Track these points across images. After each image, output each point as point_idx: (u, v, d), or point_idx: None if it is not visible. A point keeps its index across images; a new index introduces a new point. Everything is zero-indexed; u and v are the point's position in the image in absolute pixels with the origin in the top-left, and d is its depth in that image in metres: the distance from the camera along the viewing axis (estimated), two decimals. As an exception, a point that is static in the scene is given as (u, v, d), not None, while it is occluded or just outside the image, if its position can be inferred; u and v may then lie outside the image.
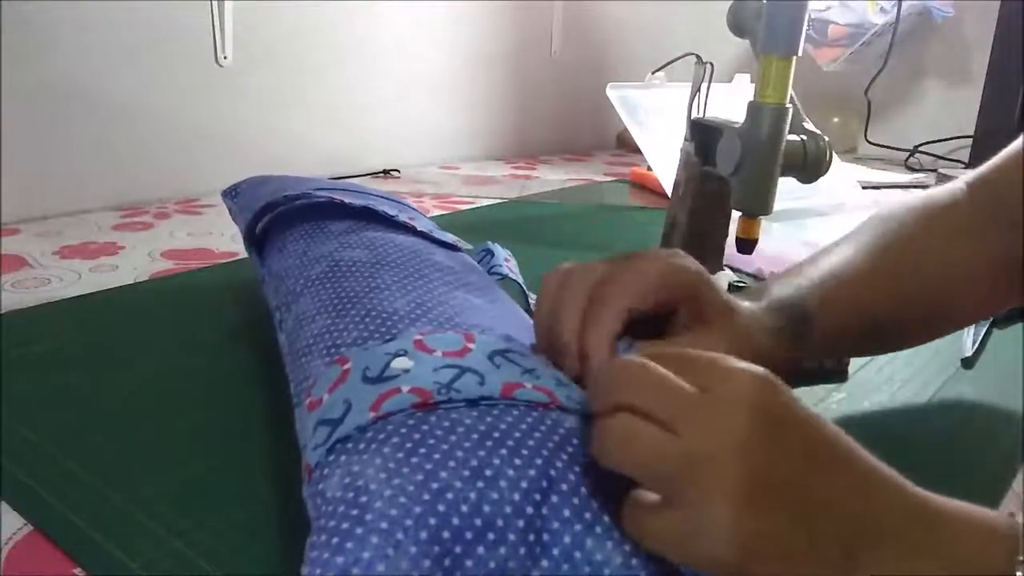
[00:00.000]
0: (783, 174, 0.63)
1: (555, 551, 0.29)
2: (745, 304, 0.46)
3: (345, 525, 0.28)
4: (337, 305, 0.45)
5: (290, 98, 1.23)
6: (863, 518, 0.28)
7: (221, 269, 0.80)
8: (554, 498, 0.30)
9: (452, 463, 0.30)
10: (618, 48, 1.85)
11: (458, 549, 0.28)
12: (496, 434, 0.32)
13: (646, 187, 1.34)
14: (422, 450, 0.31)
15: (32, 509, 0.39)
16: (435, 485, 0.29)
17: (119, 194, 1.04)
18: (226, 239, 0.90)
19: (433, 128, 1.51)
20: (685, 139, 0.71)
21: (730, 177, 0.63)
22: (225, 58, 1.12)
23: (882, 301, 0.50)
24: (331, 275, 0.48)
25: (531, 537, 0.29)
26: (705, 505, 0.27)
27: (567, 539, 0.29)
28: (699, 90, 0.70)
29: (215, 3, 1.09)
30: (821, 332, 0.47)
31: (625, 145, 1.81)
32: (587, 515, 0.30)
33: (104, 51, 1.00)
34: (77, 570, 0.35)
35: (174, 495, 0.41)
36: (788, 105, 0.61)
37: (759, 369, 0.30)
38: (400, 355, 0.36)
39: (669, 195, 0.75)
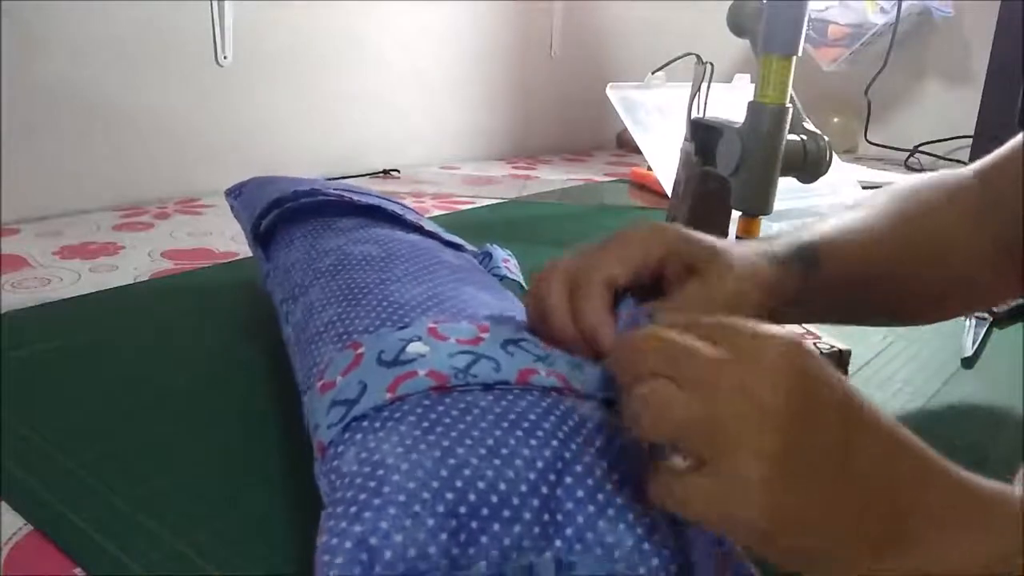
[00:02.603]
0: (783, 174, 0.63)
1: (568, 531, 0.29)
2: (745, 243, 0.45)
3: (363, 496, 0.29)
4: (348, 295, 0.45)
5: (290, 98, 1.23)
6: (907, 487, 0.28)
7: (221, 269, 0.80)
8: (568, 479, 0.30)
9: (469, 441, 0.31)
10: (618, 48, 1.85)
11: (474, 524, 0.28)
12: (511, 416, 0.32)
13: (646, 187, 1.34)
14: (439, 428, 0.31)
15: (32, 509, 0.39)
16: (452, 461, 0.30)
17: (119, 194, 1.04)
18: (226, 239, 0.90)
19: (433, 128, 1.51)
20: (685, 139, 0.71)
21: (730, 177, 0.63)
22: (225, 58, 1.12)
23: (887, 260, 0.49)
24: (341, 267, 0.49)
25: (545, 516, 0.29)
26: (735, 469, 0.26)
27: (580, 520, 0.29)
28: (699, 90, 0.70)
29: (215, 3, 1.09)
30: (826, 277, 0.46)
31: (625, 145, 1.81)
32: (600, 497, 0.30)
33: (104, 51, 1.00)
34: (77, 570, 0.35)
35: (174, 495, 0.40)
36: (788, 105, 0.61)
37: (790, 334, 0.29)
38: (415, 341, 0.37)
39: (669, 195, 0.75)
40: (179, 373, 0.55)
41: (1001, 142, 0.53)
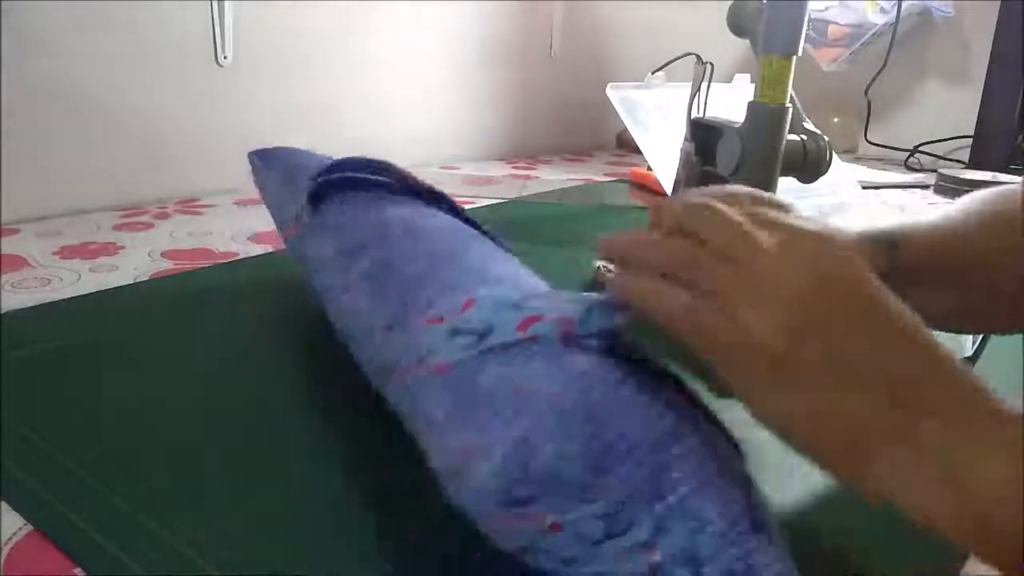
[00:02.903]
0: (783, 174, 0.63)
1: (670, 498, 0.30)
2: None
3: (516, 405, 0.30)
4: (432, 257, 0.44)
5: (290, 98, 1.23)
6: (919, 384, 0.29)
7: (221, 269, 0.80)
8: (678, 450, 0.31)
9: (601, 388, 0.32)
10: (618, 48, 1.85)
11: (604, 461, 0.29)
12: (633, 380, 0.34)
13: (646, 187, 1.34)
14: (571, 371, 0.32)
15: (32, 509, 0.39)
16: (592, 396, 0.31)
17: (119, 194, 1.04)
18: (226, 239, 0.90)
19: (433, 128, 1.51)
20: (685, 139, 0.71)
21: (730, 177, 0.63)
22: (225, 58, 1.12)
23: (961, 258, 0.48)
24: (415, 235, 0.48)
25: (659, 476, 0.30)
26: (753, 325, 0.29)
27: (682, 489, 0.30)
28: (699, 90, 0.70)
29: (215, 3, 1.09)
30: (908, 259, 0.46)
31: (625, 145, 1.81)
32: (703, 474, 0.31)
33: (104, 51, 1.00)
34: (77, 570, 0.35)
35: (174, 495, 0.40)
36: (788, 105, 0.61)
37: (827, 229, 0.31)
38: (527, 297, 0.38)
39: (669, 195, 0.75)
40: (179, 373, 0.55)
41: (1001, 142, 0.52)
